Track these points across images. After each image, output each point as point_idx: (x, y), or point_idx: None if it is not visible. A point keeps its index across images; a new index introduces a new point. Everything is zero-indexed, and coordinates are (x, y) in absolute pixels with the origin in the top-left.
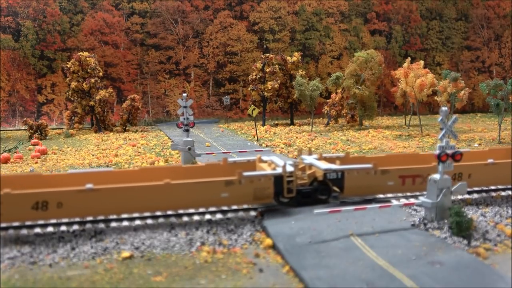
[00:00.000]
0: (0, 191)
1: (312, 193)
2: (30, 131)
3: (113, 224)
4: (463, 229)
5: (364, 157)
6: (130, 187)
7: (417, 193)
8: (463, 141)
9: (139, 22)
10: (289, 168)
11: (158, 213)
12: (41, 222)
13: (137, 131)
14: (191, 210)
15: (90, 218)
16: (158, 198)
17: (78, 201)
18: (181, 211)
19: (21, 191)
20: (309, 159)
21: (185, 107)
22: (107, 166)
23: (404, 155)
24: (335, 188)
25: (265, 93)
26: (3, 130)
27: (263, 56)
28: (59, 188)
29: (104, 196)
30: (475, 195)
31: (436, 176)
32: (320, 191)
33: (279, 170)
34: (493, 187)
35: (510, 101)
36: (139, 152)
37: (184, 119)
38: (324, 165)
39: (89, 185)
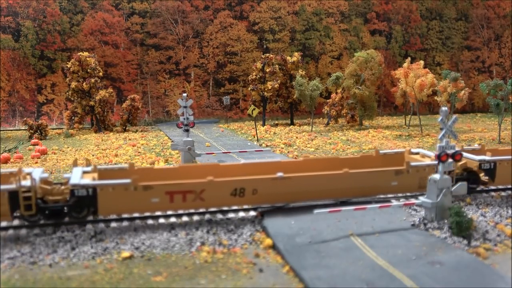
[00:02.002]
0: (204, 179)
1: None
2: (30, 131)
3: (113, 224)
4: (463, 229)
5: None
6: (315, 175)
7: (417, 194)
8: (463, 141)
9: (139, 22)
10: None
11: (158, 213)
12: (41, 222)
13: (137, 131)
14: (191, 210)
15: (90, 218)
16: (337, 186)
17: (270, 188)
18: (180, 212)
19: (222, 178)
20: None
21: (185, 107)
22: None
23: None
24: (485, 179)
25: (265, 93)
26: (3, 130)
27: (263, 56)
28: (256, 176)
29: (293, 184)
30: (475, 195)
31: (436, 176)
32: (471, 180)
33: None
34: (493, 187)
35: (510, 101)
36: (139, 152)
37: (184, 119)
38: (478, 156)
39: (280, 174)
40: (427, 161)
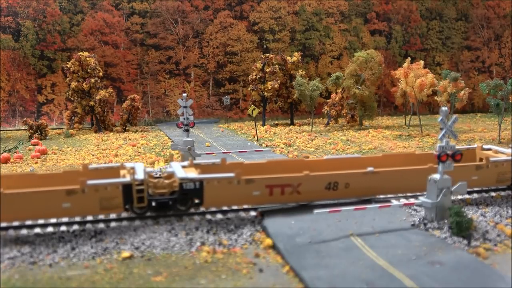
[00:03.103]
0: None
1: None
2: (30, 131)
3: (113, 224)
4: (463, 229)
5: None
6: (403, 170)
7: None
8: (463, 141)
9: (139, 22)
10: None
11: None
12: (41, 222)
13: (137, 131)
14: (191, 210)
15: (90, 218)
16: (424, 180)
17: (361, 182)
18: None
19: (318, 173)
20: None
21: (185, 107)
22: None
23: None
24: None
25: (265, 93)
26: (3, 130)
27: (263, 56)
28: (349, 171)
29: (382, 178)
30: (475, 195)
31: (436, 176)
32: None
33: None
34: (493, 187)
35: (510, 101)
36: (139, 152)
37: (184, 119)
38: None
39: (370, 168)
40: (503, 157)
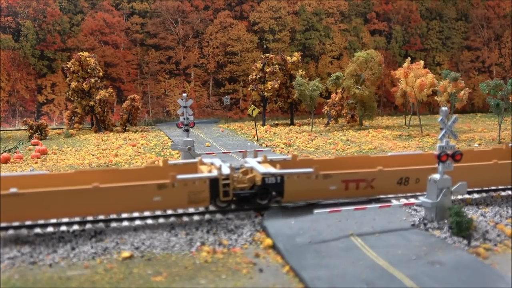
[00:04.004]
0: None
1: None
2: (30, 131)
3: (113, 224)
4: (463, 229)
5: None
6: (472, 166)
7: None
8: (463, 141)
9: (139, 22)
10: None
11: (158, 213)
12: (41, 222)
13: (137, 131)
14: (191, 210)
15: (90, 218)
16: (492, 176)
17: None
18: (180, 211)
19: (391, 168)
20: None
21: (185, 107)
22: (107, 166)
23: None
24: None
25: (265, 93)
26: (3, 130)
27: (263, 56)
28: (420, 166)
29: (452, 174)
30: (475, 195)
31: (436, 176)
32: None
33: None
34: (493, 187)
35: (510, 101)
36: (139, 152)
37: (184, 119)
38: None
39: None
40: None
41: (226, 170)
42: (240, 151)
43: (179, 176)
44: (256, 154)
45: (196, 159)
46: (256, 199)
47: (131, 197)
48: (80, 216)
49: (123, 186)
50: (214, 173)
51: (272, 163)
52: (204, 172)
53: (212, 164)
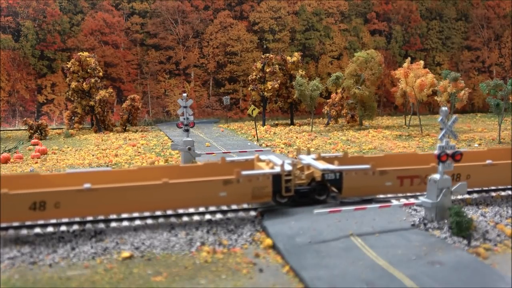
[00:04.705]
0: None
1: None
2: (30, 131)
3: (113, 224)
4: (463, 229)
5: None
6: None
7: (417, 193)
8: (463, 141)
9: (139, 22)
10: None
11: (158, 213)
12: (41, 222)
13: (137, 131)
14: (191, 210)
15: (90, 218)
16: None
17: (481, 174)
18: (180, 211)
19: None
20: None
21: (185, 107)
22: (107, 166)
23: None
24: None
25: (265, 93)
26: (3, 130)
27: (263, 56)
28: (470, 163)
29: (500, 170)
30: (475, 195)
31: (436, 176)
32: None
33: None
34: (493, 187)
35: (510, 101)
36: (139, 152)
37: (184, 119)
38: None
39: (489, 161)
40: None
41: (288, 167)
42: (240, 151)
43: (244, 172)
44: (310, 152)
45: (253, 156)
46: (314, 194)
47: (198, 192)
48: (150, 210)
49: (191, 181)
50: (277, 169)
51: (325, 160)
52: (262, 169)
53: (270, 161)
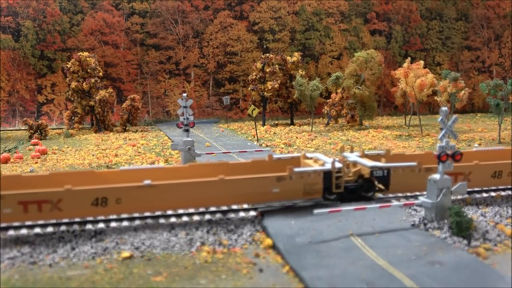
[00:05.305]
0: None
1: None
2: (30, 131)
3: (113, 224)
4: (463, 229)
5: None
6: None
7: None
8: (463, 141)
9: (139, 22)
10: None
11: (158, 213)
12: (41, 222)
13: (137, 131)
14: (191, 210)
15: (90, 219)
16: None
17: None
18: (180, 211)
19: (487, 162)
20: None
21: (185, 107)
22: (107, 166)
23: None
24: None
25: (265, 93)
26: (3, 130)
27: (263, 56)
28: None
29: None
30: (476, 195)
31: (436, 176)
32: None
33: None
34: (493, 187)
35: (510, 101)
36: (139, 152)
37: (184, 119)
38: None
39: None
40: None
41: (338, 164)
42: (240, 151)
43: (296, 169)
44: (353, 149)
45: (299, 154)
46: (361, 191)
47: (253, 188)
48: (205, 206)
49: (246, 178)
50: (328, 166)
51: (369, 157)
52: (310, 166)
53: (317, 158)
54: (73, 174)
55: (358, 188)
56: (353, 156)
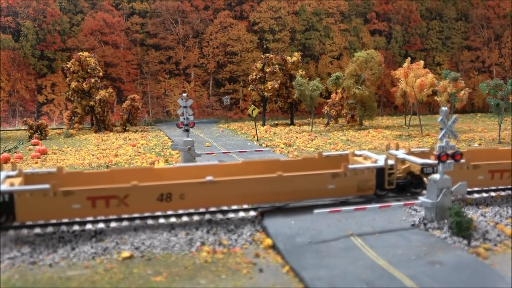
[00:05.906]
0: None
1: None
2: (30, 131)
3: (113, 224)
4: (463, 229)
5: None
6: None
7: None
8: (463, 141)
9: (139, 22)
10: None
11: (158, 213)
12: (40, 222)
13: (137, 131)
14: (191, 210)
15: (90, 219)
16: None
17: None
18: (180, 211)
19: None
20: None
21: (185, 107)
22: (107, 166)
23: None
24: None
25: (265, 93)
26: (3, 130)
27: (263, 56)
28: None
29: None
30: (475, 195)
31: (436, 176)
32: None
33: None
34: (493, 187)
35: (510, 101)
36: (139, 152)
37: (184, 119)
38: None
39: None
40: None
41: (390, 161)
42: (240, 151)
43: (351, 166)
44: (398, 147)
45: (347, 152)
46: (411, 188)
47: (310, 184)
48: (264, 202)
49: (304, 174)
50: (381, 163)
51: (414, 154)
52: (359, 163)
53: (366, 155)
54: (133, 170)
55: (408, 185)
56: (400, 153)
